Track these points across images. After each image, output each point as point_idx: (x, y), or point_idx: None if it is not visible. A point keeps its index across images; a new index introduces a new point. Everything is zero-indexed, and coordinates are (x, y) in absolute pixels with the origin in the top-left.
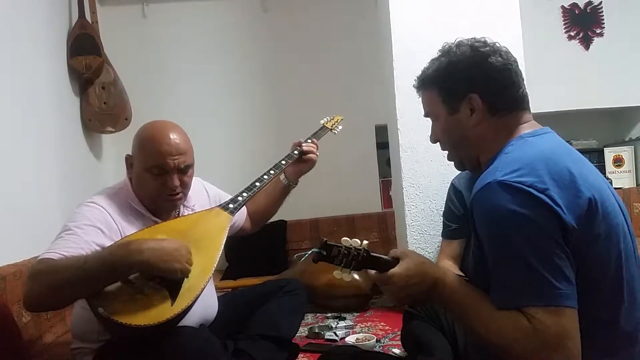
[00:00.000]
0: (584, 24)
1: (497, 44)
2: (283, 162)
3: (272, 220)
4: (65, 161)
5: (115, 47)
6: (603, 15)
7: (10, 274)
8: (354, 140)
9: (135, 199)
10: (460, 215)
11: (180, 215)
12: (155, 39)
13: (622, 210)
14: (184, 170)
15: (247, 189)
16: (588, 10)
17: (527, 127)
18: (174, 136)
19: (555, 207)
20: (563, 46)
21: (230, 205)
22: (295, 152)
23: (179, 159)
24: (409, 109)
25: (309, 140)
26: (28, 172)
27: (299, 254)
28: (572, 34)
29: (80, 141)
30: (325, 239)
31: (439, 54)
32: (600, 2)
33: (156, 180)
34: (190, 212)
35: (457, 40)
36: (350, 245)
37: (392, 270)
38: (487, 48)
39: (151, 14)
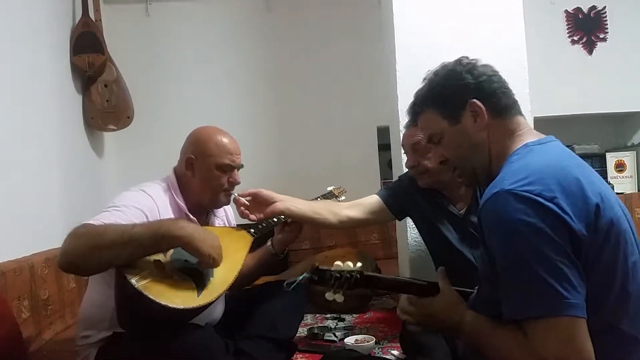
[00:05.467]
0: (587, 29)
1: (480, 59)
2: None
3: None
4: (66, 158)
5: (118, 45)
6: (607, 20)
7: (10, 270)
8: (356, 141)
9: (180, 195)
10: (403, 197)
11: (210, 223)
12: (159, 38)
13: (626, 218)
14: (239, 168)
15: (265, 221)
16: (592, 15)
17: (531, 136)
18: (232, 138)
19: (563, 215)
20: (566, 50)
21: (252, 230)
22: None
23: (240, 157)
24: None
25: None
26: (29, 169)
27: (289, 281)
28: (575, 38)
29: (82, 139)
30: (316, 264)
31: (425, 79)
32: (604, 7)
33: (223, 176)
34: (219, 221)
35: (441, 63)
36: (343, 269)
37: (425, 300)
38: (472, 60)
39: (155, 12)
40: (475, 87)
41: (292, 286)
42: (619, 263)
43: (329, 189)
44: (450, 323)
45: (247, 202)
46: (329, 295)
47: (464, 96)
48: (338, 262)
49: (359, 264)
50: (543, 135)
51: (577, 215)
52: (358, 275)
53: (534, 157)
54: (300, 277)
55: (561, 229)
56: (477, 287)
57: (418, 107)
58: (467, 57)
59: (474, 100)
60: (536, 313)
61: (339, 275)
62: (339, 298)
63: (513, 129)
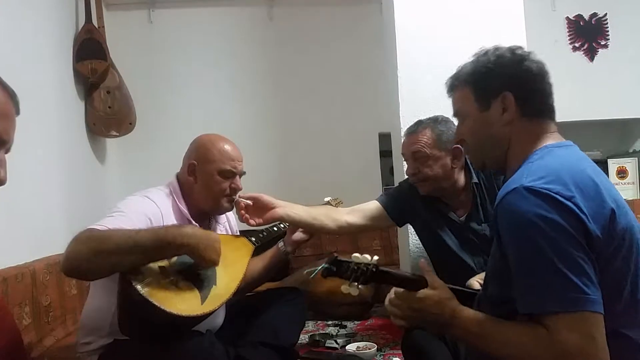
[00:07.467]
0: (588, 36)
1: (534, 52)
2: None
3: None
4: (69, 164)
5: (121, 51)
6: (608, 27)
7: (12, 276)
8: (357, 147)
9: (183, 201)
10: (404, 203)
11: (212, 229)
12: (161, 45)
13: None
14: (241, 175)
15: (266, 230)
16: (593, 22)
17: (552, 138)
18: (234, 145)
19: (581, 214)
20: (568, 57)
21: (253, 238)
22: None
23: (242, 164)
24: (413, 117)
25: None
26: (31, 174)
27: (309, 269)
28: (576, 45)
29: (84, 145)
30: (335, 255)
31: (475, 56)
32: (605, 14)
33: (225, 182)
34: (221, 227)
35: (495, 45)
36: (360, 261)
37: (422, 292)
38: (525, 52)
39: (157, 19)
40: (515, 81)
41: (312, 275)
42: (630, 272)
43: (326, 199)
44: (441, 319)
45: (249, 202)
46: (344, 288)
47: (502, 86)
48: (356, 254)
49: (375, 257)
50: (564, 139)
51: (594, 217)
52: (374, 269)
53: (553, 158)
54: (319, 268)
55: (579, 227)
56: (481, 286)
57: (456, 81)
58: (521, 48)
59: (508, 94)
60: (558, 307)
61: (356, 267)
62: (354, 291)
63: (539, 132)
